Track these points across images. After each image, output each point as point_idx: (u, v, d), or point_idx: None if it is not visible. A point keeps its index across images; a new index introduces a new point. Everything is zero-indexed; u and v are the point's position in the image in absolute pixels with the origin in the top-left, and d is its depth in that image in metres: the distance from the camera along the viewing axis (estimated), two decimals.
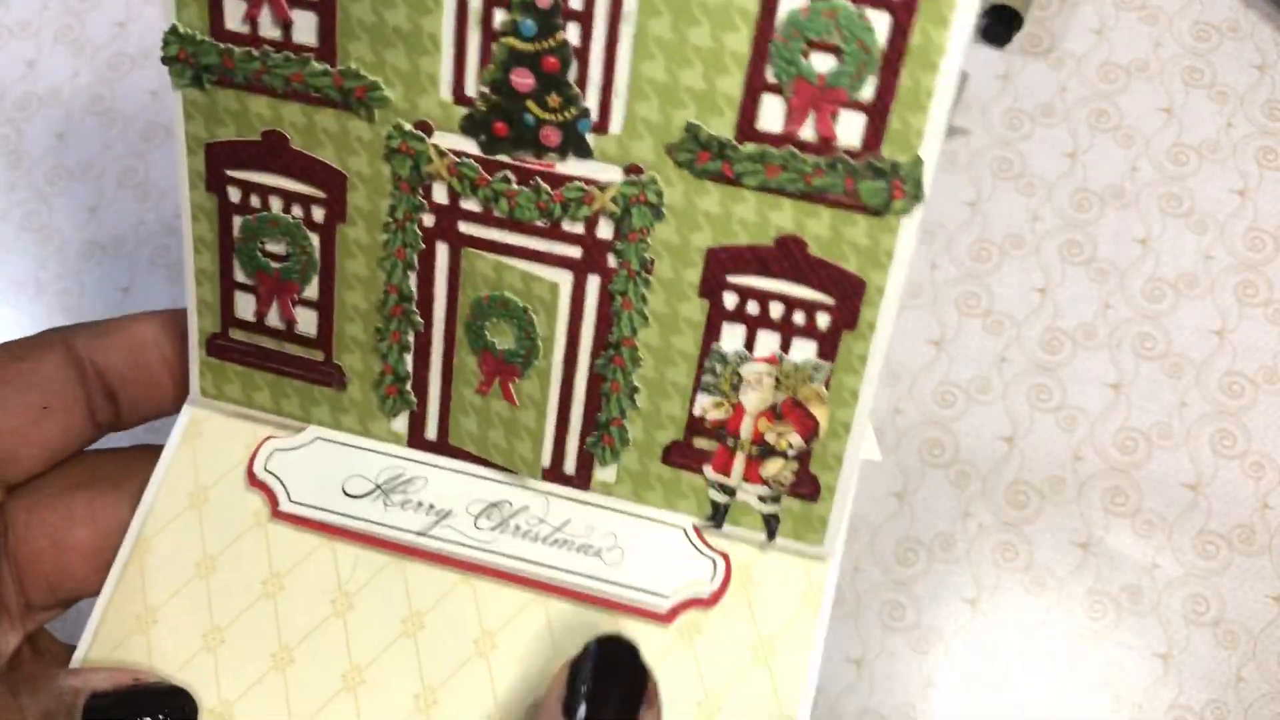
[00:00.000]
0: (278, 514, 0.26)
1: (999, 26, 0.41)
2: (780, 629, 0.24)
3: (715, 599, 0.24)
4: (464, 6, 0.22)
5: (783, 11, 0.21)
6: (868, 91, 0.21)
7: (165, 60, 0.24)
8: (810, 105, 0.21)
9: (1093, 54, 0.41)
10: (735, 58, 0.21)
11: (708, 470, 0.24)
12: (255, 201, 0.24)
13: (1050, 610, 0.34)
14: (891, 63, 0.21)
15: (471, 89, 0.22)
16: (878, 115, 0.21)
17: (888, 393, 0.37)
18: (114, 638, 0.25)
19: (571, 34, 0.21)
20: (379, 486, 0.26)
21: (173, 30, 0.24)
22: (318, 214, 0.24)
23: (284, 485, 0.26)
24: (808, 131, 0.21)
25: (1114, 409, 0.36)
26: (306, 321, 0.25)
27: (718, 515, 0.25)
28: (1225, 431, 0.36)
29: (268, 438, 0.26)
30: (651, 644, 0.24)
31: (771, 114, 0.21)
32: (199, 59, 0.24)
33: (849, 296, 0.23)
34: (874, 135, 0.21)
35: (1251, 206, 0.39)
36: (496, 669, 0.25)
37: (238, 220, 0.25)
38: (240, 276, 0.25)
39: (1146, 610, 0.34)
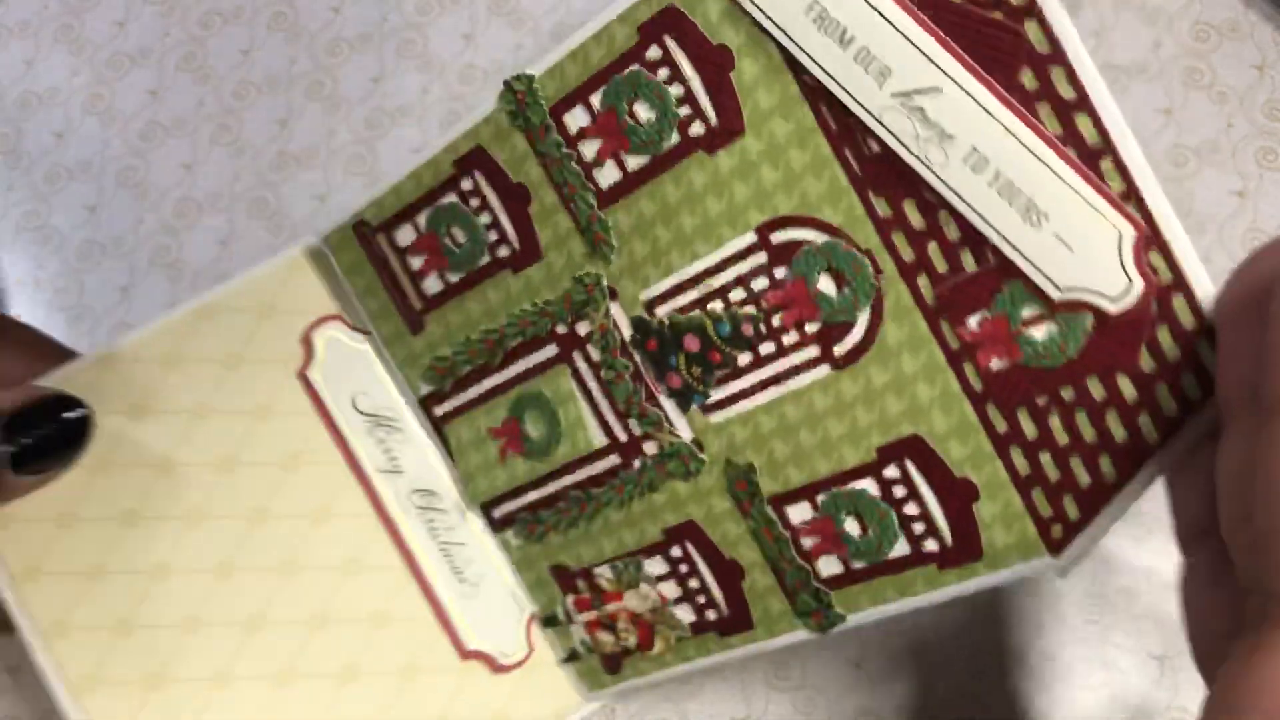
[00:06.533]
0: (302, 374, 0.31)
1: None
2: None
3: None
4: (715, 269, 0.26)
5: (854, 485, 0.25)
6: (860, 564, 0.26)
7: (509, 84, 0.27)
8: (825, 537, 0.26)
9: (1092, 55, 0.41)
10: (808, 471, 0.26)
11: (569, 597, 0.30)
12: (474, 201, 0.28)
13: (1047, 612, 0.34)
14: (892, 566, 0.25)
15: (664, 311, 0.27)
16: (855, 579, 0.26)
17: None
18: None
19: (743, 359, 0.26)
20: (375, 416, 0.31)
21: (530, 79, 0.26)
22: (502, 252, 0.28)
23: (319, 361, 0.31)
24: (810, 543, 0.26)
25: None
26: (432, 286, 0.29)
27: (551, 620, 0.31)
28: None
29: (337, 317, 0.31)
30: None
31: (800, 514, 0.26)
32: (528, 111, 0.27)
33: (734, 624, 0.28)
34: (840, 582, 0.26)
35: (1251, 207, 0.39)
36: None
37: (452, 196, 0.29)
38: (420, 220, 0.29)
39: (1142, 612, 0.34)
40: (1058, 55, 0.21)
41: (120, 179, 0.41)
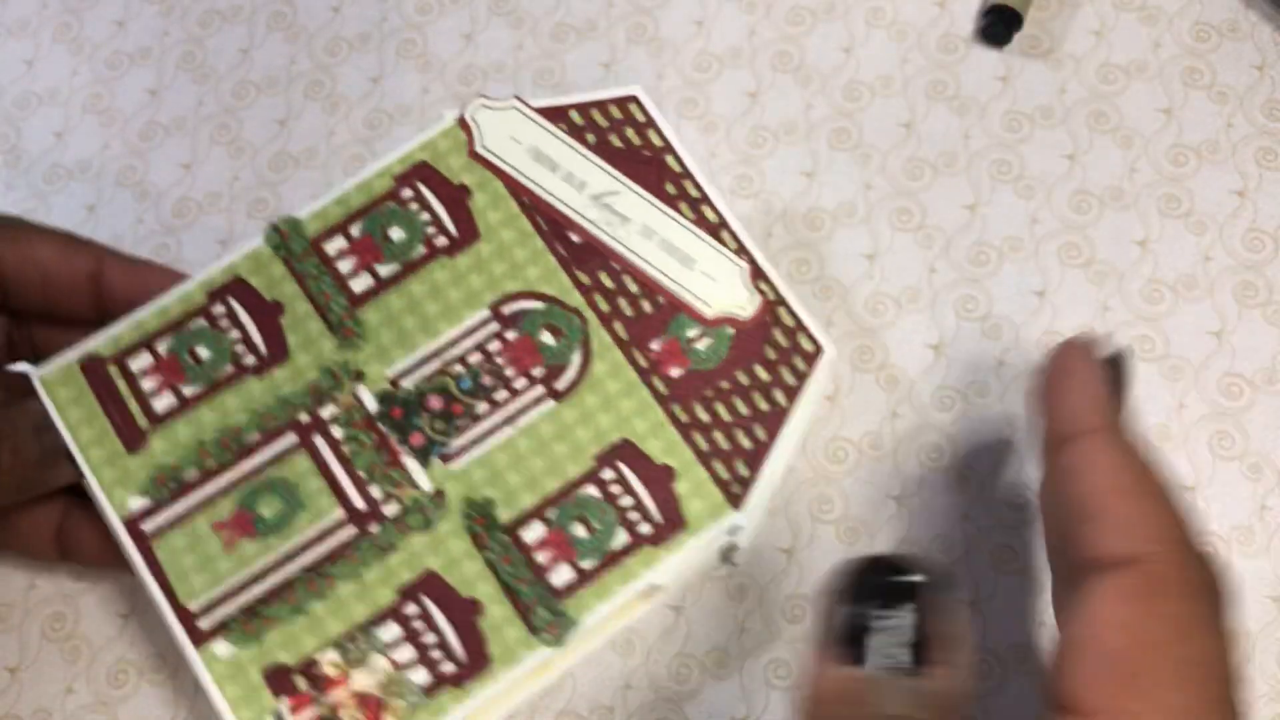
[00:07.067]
0: None
1: (999, 26, 0.41)
2: None
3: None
4: (456, 341, 0.32)
5: (579, 493, 0.31)
6: (589, 563, 0.30)
7: (275, 225, 0.33)
8: (556, 547, 0.30)
9: (1092, 55, 0.41)
10: (539, 492, 0.31)
11: (284, 700, 0.29)
12: (224, 322, 0.32)
13: (1048, 611, 0.34)
14: (615, 558, 0.30)
15: (409, 382, 0.32)
16: (584, 580, 0.30)
17: (887, 397, 0.37)
18: None
19: (481, 407, 0.31)
20: None
21: (295, 220, 0.33)
22: (248, 360, 0.32)
23: None
24: (543, 557, 0.30)
25: None
26: (163, 403, 0.31)
27: None
28: (1224, 433, 0.36)
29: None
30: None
31: (534, 533, 0.30)
32: (290, 243, 0.33)
33: (471, 670, 0.29)
34: (571, 589, 0.30)
35: (1251, 207, 0.39)
36: None
37: (201, 321, 0.32)
38: (160, 346, 0.32)
39: None
40: (687, 173, 0.33)
41: (120, 178, 0.41)
